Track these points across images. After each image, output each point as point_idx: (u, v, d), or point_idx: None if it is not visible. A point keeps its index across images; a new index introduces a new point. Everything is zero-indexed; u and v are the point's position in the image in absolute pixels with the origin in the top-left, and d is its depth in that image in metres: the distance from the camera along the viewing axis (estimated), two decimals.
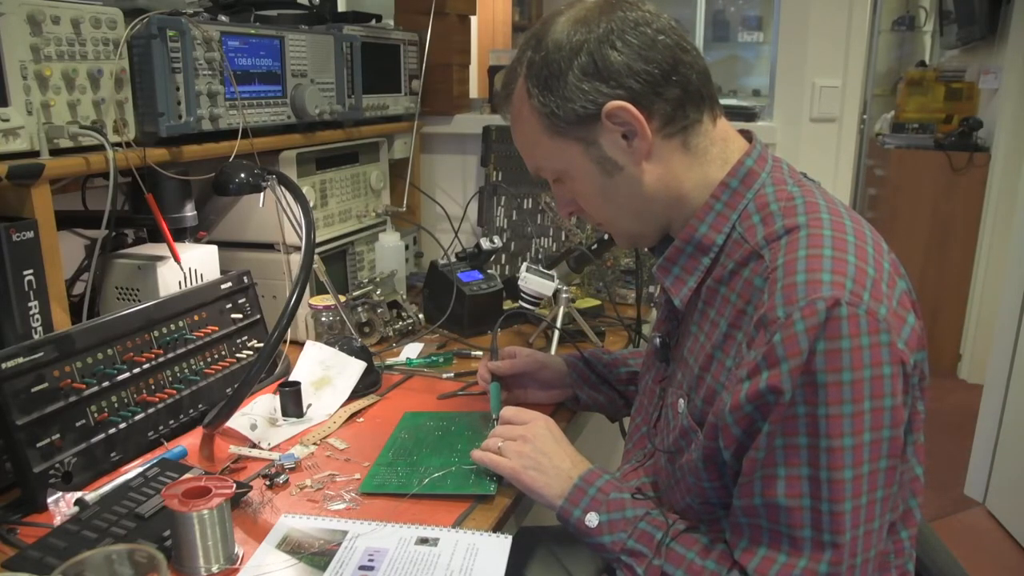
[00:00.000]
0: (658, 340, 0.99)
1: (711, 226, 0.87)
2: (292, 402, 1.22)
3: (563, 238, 1.95)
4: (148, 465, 1.02)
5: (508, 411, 1.07)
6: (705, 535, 0.85)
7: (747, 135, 0.93)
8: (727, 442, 0.78)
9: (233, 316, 1.31)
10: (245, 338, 1.33)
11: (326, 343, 1.37)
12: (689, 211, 0.89)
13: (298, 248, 1.46)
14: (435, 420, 1.22)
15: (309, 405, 1.24)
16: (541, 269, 1.58)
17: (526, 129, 0.91)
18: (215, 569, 0.85)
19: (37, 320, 1.07)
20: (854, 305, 0.71)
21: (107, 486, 0.98)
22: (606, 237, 1.57)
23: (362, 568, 0.86)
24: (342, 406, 1.26)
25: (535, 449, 0.99)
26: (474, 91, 2.31)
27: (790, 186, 0.86)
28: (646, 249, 1.00)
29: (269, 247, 1.54)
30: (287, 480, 1.04)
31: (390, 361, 1.48)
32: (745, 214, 0.85)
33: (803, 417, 0.72)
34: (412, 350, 1.53)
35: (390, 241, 1.79)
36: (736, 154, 0.89)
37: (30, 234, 1.04)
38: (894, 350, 0.72)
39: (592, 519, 0.89)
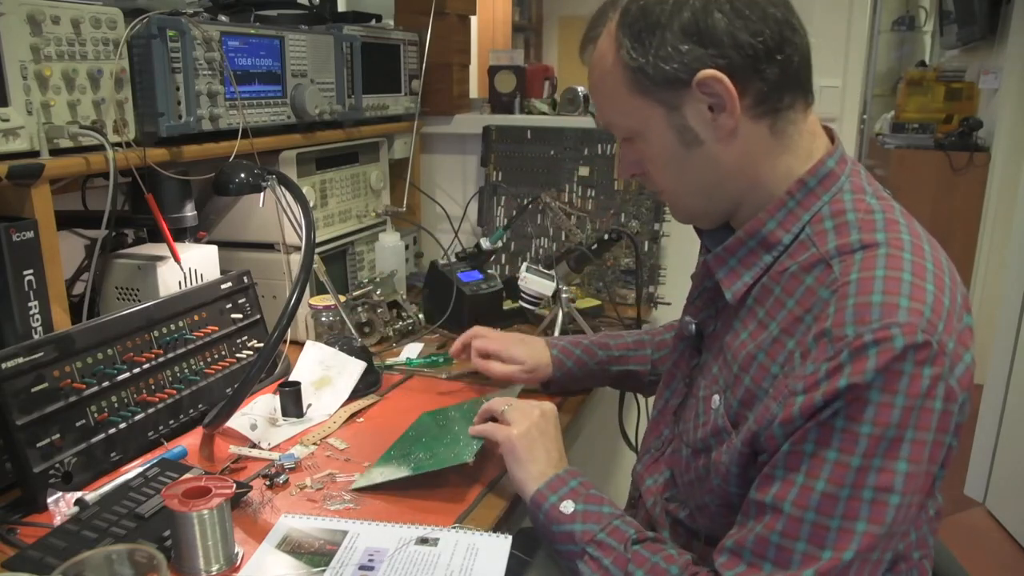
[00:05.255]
0: (693, 327, 0.95)
1: (780, 223, 0.82)
2: (292, 402, 1.22)
3: (563, 238, 1.95)
4: (148, 465, 1.02)
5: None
6: (672, 547, 0.86)
7: (829, 133, 0.88)
8: (771, 454, 0.76)
9: (233, 316, 1.31)
10: (245, 338, 1.33)
11: (326, 343, 1.37)
12: (761, 201, 0.84)
13: (298, 248, 1.46)
14: (443, 413, 1.22)
15: (309, 405, 1.24)
16: (541, 269, 1.58)
17: (607, 81, 0.84)
18: (215, 569, 0.85)
19: (37, 320, 1.07)
20: (928, 334, 0.69)
21: (107, 486, 0.98)
22: (607, 237, 1.56)
23: (362, 568, 0.86)
24: (342, 406, 1.26)
25: (539, 427, 1.00)
26: (474, 91, 2.31)
27: (869, 197, 0.82)
28: (697, 230, 0.96)
29: (269, 247, 1.54)
30: (287, 480, 1.04)
31: (390, 361, 1.48)
32: (818, 217, 0.81)
33: (840, 431, 0.70)
34: (412, 350, 1.53)
35: (390, 241, 1.79)
36: (820, 151, 0.84)
37: (30, 234, 1.04)
38: (948, 388, 0.70)
39: (568, 506, 0.90)
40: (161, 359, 1.16)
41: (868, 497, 0.70)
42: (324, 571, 0.85)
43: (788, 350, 0.77)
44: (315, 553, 0.88)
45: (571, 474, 0.95)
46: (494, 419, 1.05)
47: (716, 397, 0.86)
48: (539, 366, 1.28)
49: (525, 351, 1.29)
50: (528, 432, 0.99)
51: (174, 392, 1.17)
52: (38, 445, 0.96)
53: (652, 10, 0.79)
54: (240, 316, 1.33)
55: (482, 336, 1.34)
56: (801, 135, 0.83)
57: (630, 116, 0.84)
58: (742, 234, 0.85)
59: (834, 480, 0.71)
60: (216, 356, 1.27)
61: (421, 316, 1.68)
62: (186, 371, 1.20)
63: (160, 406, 1.14)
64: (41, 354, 0.98)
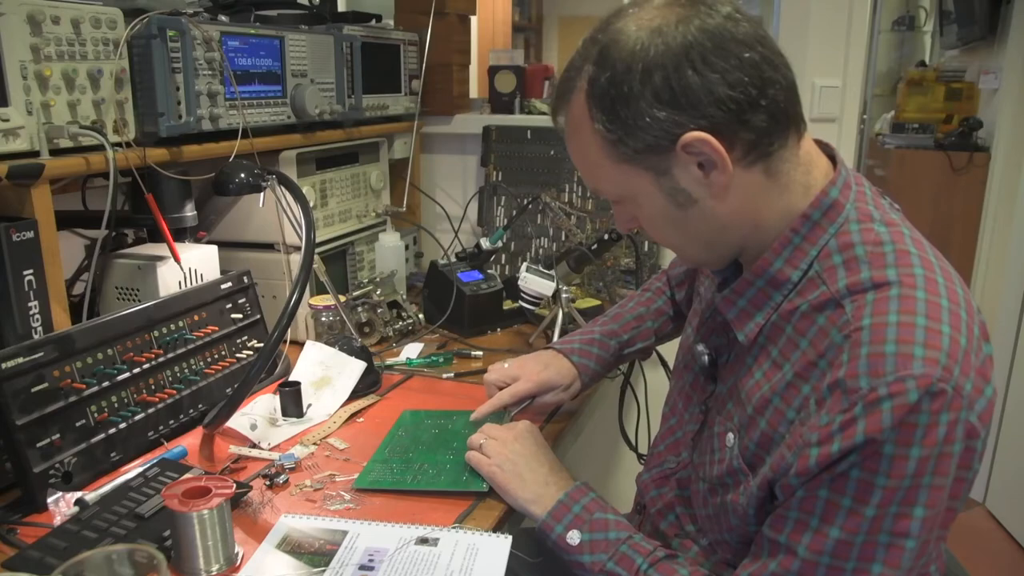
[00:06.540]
0: (706, 358, 0.92)
1: (787, 261, 0.79)
2: (292, 402, 1.22)
3: (563, 238, 1.95)
4: (148, 465, 1.02)
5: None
6: (684, 567, 0.85)
7: (827, 149, 0.85)
8: (786, 499, 0.75)
9: (233, 316, 1.31)
10: (245, 338, 1.33)
11: (326, 343, 1.37)
12: (765, 240, 0.81)
13: (298, 248, 1.46)
14: (433, 418, 1.22)
15: (309, 405, 1.24)
16: (541, 269, 1.58)
17: (587, 152, 0.81)
18: (215, 569, 0.85)
19: (37, 320, 1.07)
20: (944, 382, 0.66)
21: (107, 486, 0.98)
22: (607, 237, 1.56)
23: (362, 568, 0.86)
24: (342, 406, 1.26)
25: (514, 451, 1.01)
26: (474, 91, 2.31)
27: (877, 224, 0.78)
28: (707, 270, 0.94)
29: (269, 247, 1.54)
30: (287, 480, 1.04)
31: (390, 361, 1.48)
32: (825, 252, 0.77)
33: (855, 481, 0.69)
34: (412, 350, 1.53)
35: (390, 241, 1.79)
36: (819, 180, 0.80)
37: (30, 234, 1.04)
38: (968, 426, 0.68)
39: (574, 537, 0.89)
40: (161, 359, 1.16)
41: (884, 542, 0.69)
42: (324, 571, 0.85)
43: (803, 395, 0.75)
44: (315, 553, 0.88)
45: (573, 497, 0.93)
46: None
47: (731, 435, 0.84)
48: (572, 382, 1.21)
49: (555, 374, 1.19)
50: (506, 461, 1.00)
51: (174, 392, 1.17)
52: (38, 445, 0.96)
53: (621, 80, 0.74)
54: (240, 316, 1.33)
55: (504, 387, 1.19)
56: (796, 169, 0.79)
57: (618, 184, 0.81)
58: (749, 275, 0.82)
59: (848, 528, 0.70)
60: (216, 356, 1.27)
61: (421, 316, 1.68)
62: (186, 371, 1.20)
63: (160, 406, 1.14)
64: (41, 354, 0.98)
